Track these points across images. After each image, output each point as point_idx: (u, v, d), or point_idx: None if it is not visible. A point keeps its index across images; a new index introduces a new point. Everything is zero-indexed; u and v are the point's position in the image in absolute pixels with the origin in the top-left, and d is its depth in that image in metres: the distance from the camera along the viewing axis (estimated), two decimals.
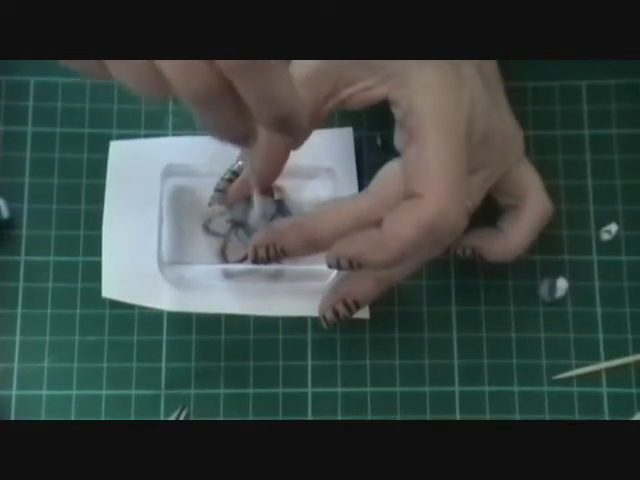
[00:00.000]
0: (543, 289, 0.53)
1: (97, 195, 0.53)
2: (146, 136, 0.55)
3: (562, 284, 0.53)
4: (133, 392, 0.51)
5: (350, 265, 0.44)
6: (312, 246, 0.45)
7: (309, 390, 0.52)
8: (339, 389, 0.52)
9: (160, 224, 0.51)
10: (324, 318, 0.48)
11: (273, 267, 0.52)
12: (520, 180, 0.49)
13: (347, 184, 0.53)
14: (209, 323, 0.52)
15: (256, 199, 0.48)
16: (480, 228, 0.49)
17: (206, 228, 0.53)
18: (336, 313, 0.48)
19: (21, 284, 0.52)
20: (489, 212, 0.50)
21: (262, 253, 0.45)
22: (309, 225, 0.45)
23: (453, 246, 0.49)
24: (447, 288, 0.53)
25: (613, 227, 0.54)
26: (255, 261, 0.46)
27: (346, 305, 0.48)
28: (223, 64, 0.33)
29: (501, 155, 0.47)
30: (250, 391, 0.51)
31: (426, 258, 0.47)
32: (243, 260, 0.52)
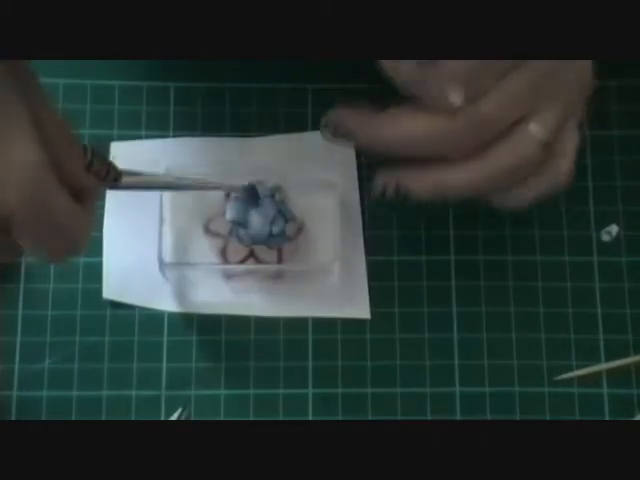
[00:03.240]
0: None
1: None
2: (147, 137, 0.55)
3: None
4: (134, 393, 0.51)
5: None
6: (383, 147, 0.43)
7: (310, 391, 0.52)
8: (340, 390, 0.52)
9: (160, 225, 0.51)
10: (372, 188, 0.45)
11: (274, 267, 0.52)
12: (561, 137, 0.45)
13: (349, 191, 0.53)
14: (210, 323, 0.52)
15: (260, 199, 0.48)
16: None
17: (206, 228, 0.53)
18: (384, 189, 0.45)
19: (22, 285, 0.52)
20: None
21: (331, 123, 0.44)
22: (386, 124, 0.43)
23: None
24: (448, 289, 0.53)
25: (614, 228, 0.54)
26: (327, 126, 0.44)
27: (397, 188, 0.44)
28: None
29: (574, 95, 0.44)
30: (251, 392, 0.52)
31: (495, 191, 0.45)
32: (244, 260, 0.52)
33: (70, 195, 0.37)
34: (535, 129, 0.43)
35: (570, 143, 0.46)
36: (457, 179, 0.44)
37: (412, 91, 0.43)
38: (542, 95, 0.43)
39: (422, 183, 0.44)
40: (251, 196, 0.50)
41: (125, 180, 0.41)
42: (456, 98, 0.41)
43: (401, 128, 0.43)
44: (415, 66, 0.41)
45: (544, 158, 0.44)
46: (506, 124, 0.43)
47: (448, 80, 0.41)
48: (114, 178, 0.40)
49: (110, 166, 0.40)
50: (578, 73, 0.44)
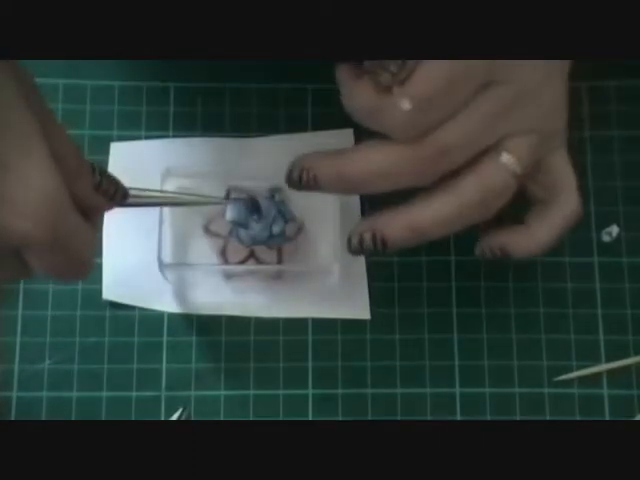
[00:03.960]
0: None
1: None
2: (147, 137, 0.55)
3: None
4: (134, 394, 0.51)
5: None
6: (346, 183, 0.44)
7: (310, 391, 0.52)
8: (340, 390, 0.52)
9: (160, 225, 0.51)
10: (349, 242, 0.46)
11: (274, 268, 0.52)
12: (554, 172, 0.46)
13: None
14: (210, 324, 0.52)
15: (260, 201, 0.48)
16: (505, 226, 0.48)
17: (206, 229, 0.53)
18: (361, 241, 0.45)
19: (22, 285, 0.52)
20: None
21: (295, 176, 0.45)
22: (346, 160, 0.44)
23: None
24: (448, 289, 0.53)
25: (614, 229, 0.54)
26: (290, 180, 0.45)
27: (374, 238, 0.45)
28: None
29: (547, 126, 0.45)
30: (251, 392, 0.52)
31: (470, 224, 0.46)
32: (244, 261, 0.52)
33: (80, 215, 0.37)
34: (506, 158, 0.43)
35: (564, 178, 0.47)
36: (429, 216, 0.44)
37: (370, 122, 0.43)
38: (511, 124, 0.43)
39: (397, 228, 0.44)
40: (253, 209, 0.51)
41: (131, 198, 0.41)
42: (406, 104, 0.41)
43: (365, 161, 0.43)
44: (371, 95, 0.42)
45: (517, 188, 0.44)
46: (472, 153, 0.43)
47: (403, 102, 0.41)
48: (121, 197, 0.41)
49: (118, 185, 0.40)
50: (551, 101, 0.44)
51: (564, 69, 0.44)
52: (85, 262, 0.38)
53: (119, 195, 0.40)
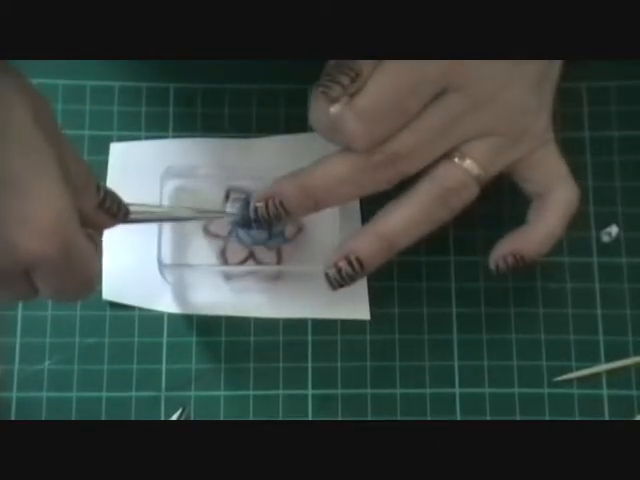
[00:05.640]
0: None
1: None
2: (146, 138, 0.55)
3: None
4: (133, 394, 0.51)
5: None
6: (310, 197, 0.45)
7: (309, 392, 0.52)
8: (339, 391, 0.52)
9: (160, 226, 0.51)
10: (327, 276, 0.46)
11: (273, 268, 0.52)
12: (544, 167, 0.47)
13: None
14: (209, 325, 0.52)
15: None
16: (510, 233, 0.48)
17: (206, 230, 0.53)
18: (339, 270, 0.46)
19: None
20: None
21: (262, 211, 0.45)
22: (306, 174, 0.45)
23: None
24: (447, 290, 0.53)
25: (613, 229, 0.54)
26: (257, 221, 0.46)
27: (349, 263, 0.45)
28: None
29: (511, 127, 0.45)
30: (250, 393, 0.51)
31: (436, 226, 0.46)
32: (243, 261, 0.52)
33: (86, 234, 0.37)
34: (465, 162, 0.44)
35: (556, 170, 0.47)
36: (394, 223, 0.45)
37: (328, 136, 0.44)
38: (467, 129, 0.44)
39: (366, 243, 0.45)
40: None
41: (133, 215, 0.41)
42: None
43: (324, 172, 0.45)
44: (325, 109, 0.43)
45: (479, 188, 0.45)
46: (428, 158, 0.44)
47: (352, 120, 0.42)
48: (124, 214, 0.41)
49: (120, 203, 0.41)
50: (511, 103, 0.44)
51: (529, 71, 0.44)
52: (90, 282, 0.38)
53: (122, 213, 0.41)
